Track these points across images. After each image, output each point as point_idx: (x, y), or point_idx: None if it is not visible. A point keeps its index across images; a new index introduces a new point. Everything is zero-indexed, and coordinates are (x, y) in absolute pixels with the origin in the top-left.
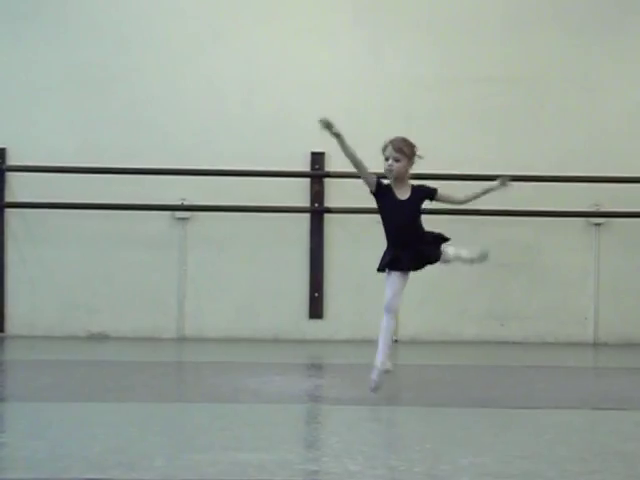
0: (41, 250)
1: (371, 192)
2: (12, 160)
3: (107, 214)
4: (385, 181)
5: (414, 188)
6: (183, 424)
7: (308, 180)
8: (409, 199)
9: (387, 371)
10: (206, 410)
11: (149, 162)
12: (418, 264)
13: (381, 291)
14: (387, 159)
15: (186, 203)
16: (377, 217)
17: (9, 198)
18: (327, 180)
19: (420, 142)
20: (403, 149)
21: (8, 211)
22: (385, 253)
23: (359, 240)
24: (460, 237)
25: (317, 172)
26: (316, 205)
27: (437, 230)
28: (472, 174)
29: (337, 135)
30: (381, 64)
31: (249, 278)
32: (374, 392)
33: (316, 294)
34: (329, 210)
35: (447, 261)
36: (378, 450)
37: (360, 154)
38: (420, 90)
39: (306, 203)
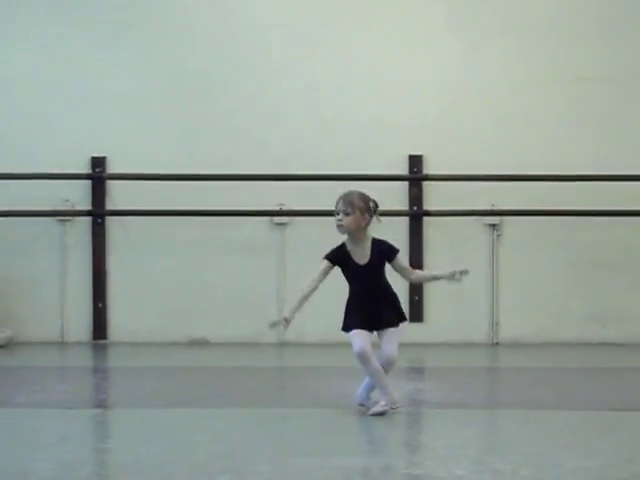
0: (141, 257)
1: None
2: (112, 168)
3: (206, 221)
4: (337, 245)
5: (374, 246)
6: (286, 429)
7: (406, 183)
8: (369, 263)
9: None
10: (309, 415)
11: (247, 168)
12: (377, 326)
13: (482, 294)
14: (337, 213)
15: (284, 208)
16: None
17: (110, 206)
18: (425, 183)
19: (514, 144)
20: (354, 202)
21: (109, 219)
22: (350, 313)
23: (459, 242)
24: (559, 238)
25: (415, 175)
26: (415, 208)
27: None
28: (566, 175)
29: (295, 312)
30: (475, 67)
31: None
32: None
33: (416, 297)
34: (428, 213)
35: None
36: (483, 454)
37: (454, 154)
38: (514, 92)
39: (405, 206)
